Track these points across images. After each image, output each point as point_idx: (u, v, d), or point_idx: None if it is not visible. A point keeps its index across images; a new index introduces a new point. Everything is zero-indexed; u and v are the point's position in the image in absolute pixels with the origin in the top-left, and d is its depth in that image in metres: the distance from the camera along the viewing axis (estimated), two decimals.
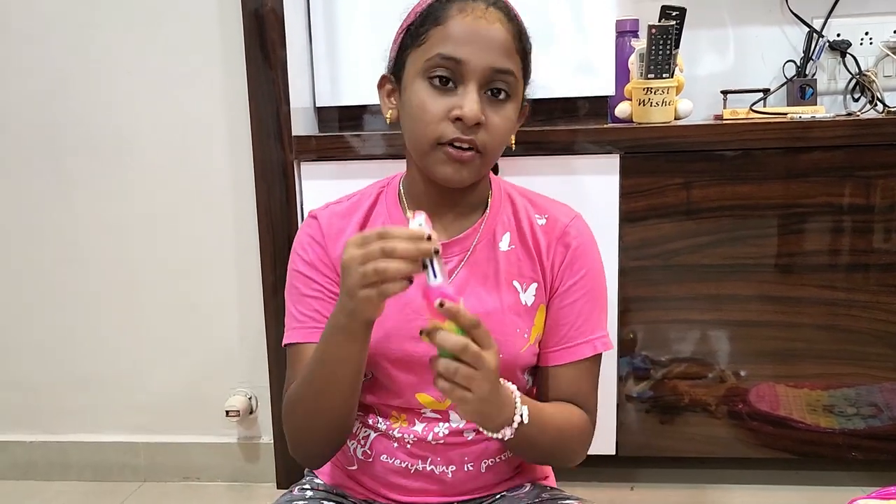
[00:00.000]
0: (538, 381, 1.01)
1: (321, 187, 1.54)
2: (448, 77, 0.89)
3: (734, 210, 1.47)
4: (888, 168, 1.43)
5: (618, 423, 1.57)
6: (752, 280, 1.49)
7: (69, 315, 1.79)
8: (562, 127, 1.50)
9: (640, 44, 1.51)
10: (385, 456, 0.98)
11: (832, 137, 1.43)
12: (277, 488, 1.73)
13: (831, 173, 1.44)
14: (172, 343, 1.77)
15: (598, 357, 1.00)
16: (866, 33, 1.74)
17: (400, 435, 0.97)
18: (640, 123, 1.51)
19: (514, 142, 1.00)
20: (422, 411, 0.97)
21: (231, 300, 1.74)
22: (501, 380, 0.81)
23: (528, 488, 1.02)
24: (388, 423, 0.98)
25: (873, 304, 1.48)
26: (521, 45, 0.93)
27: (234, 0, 1.56)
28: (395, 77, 0.96)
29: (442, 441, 0.97)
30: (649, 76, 1.49)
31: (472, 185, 0.95)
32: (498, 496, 1.01)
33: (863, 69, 1.73)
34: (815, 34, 1.73)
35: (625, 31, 1.64)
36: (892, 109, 1.61)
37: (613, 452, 1.58)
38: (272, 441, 1.74)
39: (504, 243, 0.99)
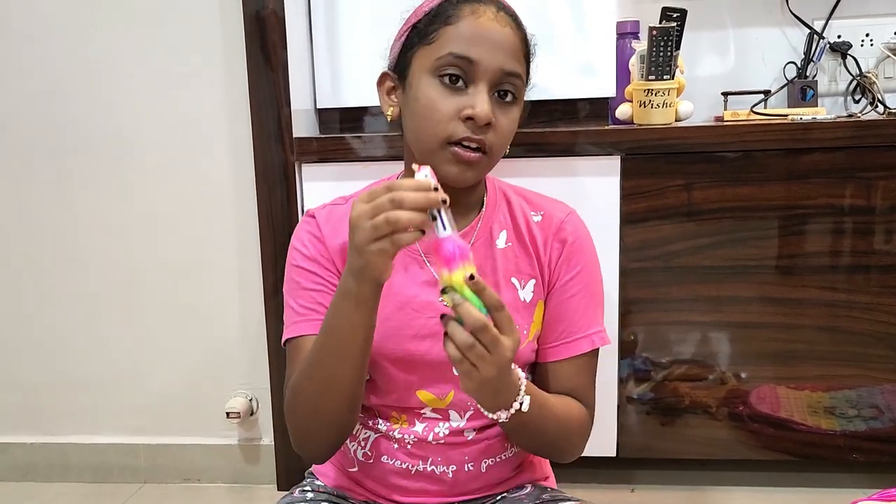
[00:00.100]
0: (537, 377, 1.01)
1: (322, 189, 1.54)
2: (459, 76, 0.89)
3: (735, 211, 1.47)
4: (889, 169, 1.43)
5: (618, 424, 1.57)
6: (753, 281, 1.49)
7: (69, 316, 1.79)
8: (562, 129, 1.50)
9: (641, 45, 1.51)
10: (386, 457, 0.99)
11: (833, 139, 1.43)
12: (278, 490, 1.73)
13: (832, 175, 1.44)
14: (173, 344, 1.77)
15: (595, 352, 1.00)
16: (867, 35, 1.74)
17: (400, 436, 0.97)
18: (640, 125, 1.51)
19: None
20: (422, 411, 0.97)
21: (232, 301, 1.74)
22: (513, 365, 0.81)
23: (528, 489, 1.02)
24: (388, 424, 0.99)
25: (874, 305, 1.48)
26: (526, 50, 0.95)
27: (235, 1, 1.56)
28: (397, 74, 0.96)
29: (442, 441, 0.97)
30: (650, 78, 1.49)
31: (470, 185, 0.95)
32: (499, 497, 1.01)
33: (863, 70, 1.73)
34: (815, 35, 1.73)
35: (625, 33, 1.64)
36: (893, 111, 1.61)
37: (614, 454, 1.58)
38: (273, 443, 1.74)
39: (501, 241, 0.99)
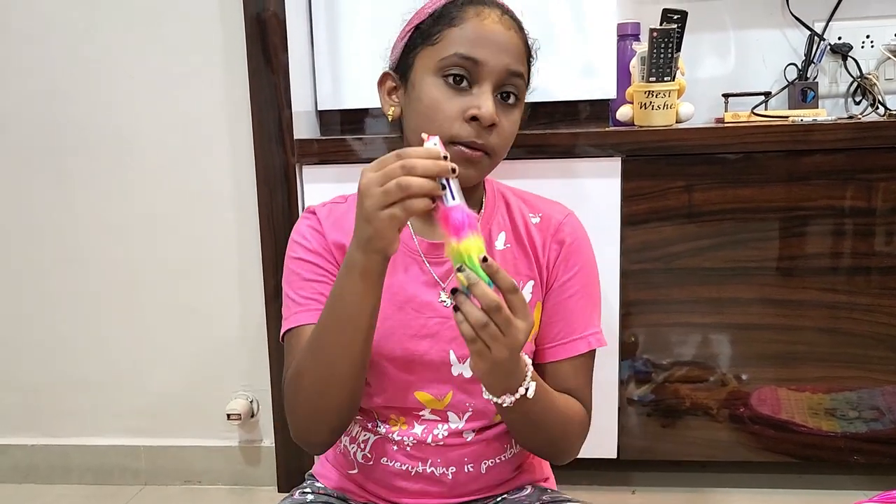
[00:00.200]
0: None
1: (323, 191, 1.54)
2: (463, 76, 0.89)
3: (735, 213, 1.47)
4: (890, 171, 1.43)
5: (619, 426, 1.57)
6: (754, 283, 1.49)
7: (69, 316, 1.79)
8: (563, 130, 1.50)
9: (642, 47, 1.51)
10: (385, 459, 0.99)
11: (833, 140, 1.43)
12: (278, 492, 1.73)
13: (833, 176, 1.44)
14: (173, 346, 1.77)
15: (592, 353, 1.00)
16: (867, 36, 1.74)
17: (399, 438, 0.97)
18: (641, 127, 1.51)
19: None
20: (420, 413, 0.97)
21: (232, 303, 1.74)
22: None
23: (528, 490, 1.02)
24: (387, 426, 0.99)
25: (875, 307, 1.48)
26: (528, 52, 0.96)
27: (236, 3, 1.56)
28: (399, 75, 0.96)
29: (441, 443, 0.97)
30: (651, 79, 1.49)
31: (471, 185, 0.95)
32: (499, 498, 1.01)
33: (864, 72, 1.73)
34: (816, 37, 1.73)
35: (626, 35, 1.64)
36: (894, 112, 1.61)
37: (615, 456, 1.58)
38: (273, 445, 1.74)
39: (500, 242, 1.00)
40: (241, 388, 1.77)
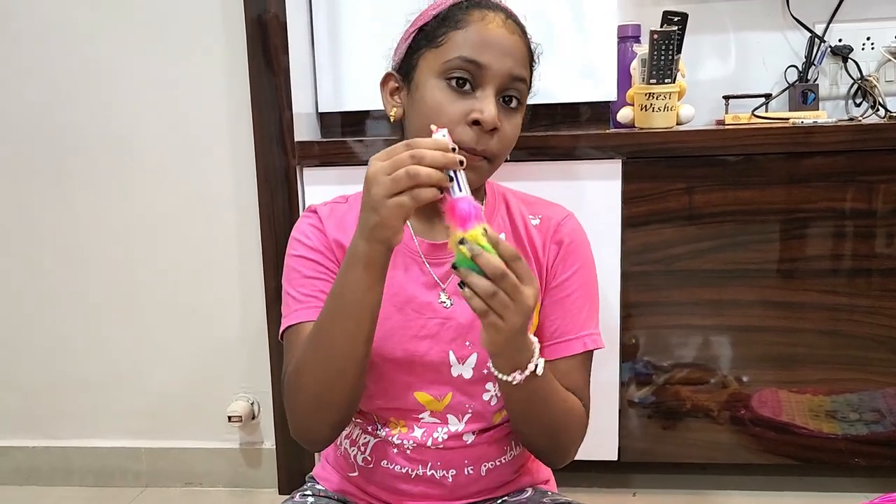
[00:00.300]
0: None
1: (324, 192, 1.54)
2: (467, 79, 0.90)
3: (736, 215, 1.47)
4: (890, 173, 1.43)
5: (620, 428, 1.57)
6: (754, 285, 1.49)
7: (69, 317, 1.79)
8: (564, 132, 1.50)
9: (642, 49, 1.51)
10: (385, 462, 0.99)
11: (834, 142, 1.43)
12: (279, 494, 1.73)
13: (833, 178, 1.44)
14: (174, 347, 1.77)
15: (590, 354, 0.99)
16: (868, 38, 1.75)
17: (399, 441, 0.97)
18: (642, 129, 1.51)
19: None
20: (420, 416, 0.97)
21: (233, 305, 1.74)
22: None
23: (529, 492, 1.02)
24: (387, 429, 0.99)
25: (876, 309, 1.48)
26: (531, 57, 0.96)
27: (237, 5, 1.57)
28: (402, 76, 0.97)
29: (441, 446, 0.97)
30: (651, 81, 1.49)
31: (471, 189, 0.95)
32: (499, 500, 1.01)
33: (864, 74, 1.74)
34: (816, 39, 1.73)
35: (627, 37, 1.64)
36: (894, 114, 1.61)
37: (615, 458, 1.58)
38: (274, 447, 1.73)
39: None
40: (241, 389, 1.77)
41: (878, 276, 1.47)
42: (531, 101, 0.99)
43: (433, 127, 0.80)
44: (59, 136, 1.72)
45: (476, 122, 0.88)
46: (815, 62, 1.73)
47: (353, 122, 1.67)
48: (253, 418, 1.77)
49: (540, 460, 1.04)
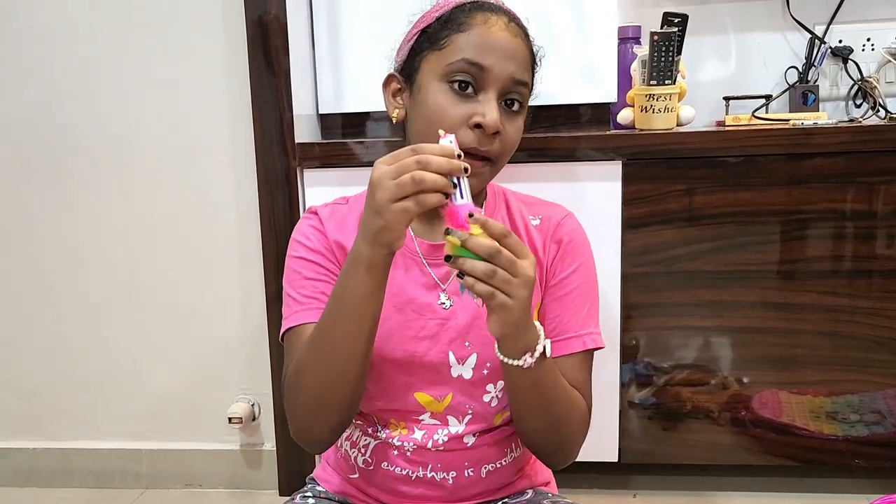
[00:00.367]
0: None
1: (324, 194, 1.53)
2: (469, 82, 0.90)
3: (736, 216, 1.47)
4: (890, 174, 1.43)
5: (620, 429, 1.57)
6: (755, 286, 1.49)
7: (69, 318, 1.79)
8: (564, 134, 1.50)
9: (643, 50, 1.51)
10: (386, 463, 0.99)
11: (834, 144, 1.43)
12: (280, 496, 1.73)
13: (833, 180, 1.44)
14: (174, 348, 1.77)
15: (589, 353, 0.99)
16: (868, 39, 1.74)
17: (400, 443, 0.97)
18: (642, 130, 1.51)
19: None
20: (420, 417, 0.97)
21: (234, 306, 1.74)
22: None
23: (529, 494, 1.02)
24: (387, 431, 0.99)
25: (876, 310, 1.48)
26: (534, 60, 0.96)
27: (238, 6, 1.56)
28: (404, 77, 0.97)
29: (441, 447, 0.97)
30: (651, 83, 1.49)
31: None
32: (500, 502, 1.01)
33: (865, 75, 1.73)
34: (817, 40, 1.73)
35: (627, 38, 1.64)
36: (894, 115, 1.61)
37: (616, 459, 1.58)
38: (274, 448, 1.73)
39: None
40: (241, 391, 1.77)
41: (879, 277, 1.47)
42: (531, 102, 0.99)
43: (441, 132, 0.81)
44: (59, 136, 1.72)
45: (478, 126, 0.89)
46: (816, 63, 1.73)
47: (354, 123, 1.67)
48: (253, 420, 1.77)
49: (541, 459, 1.03)
